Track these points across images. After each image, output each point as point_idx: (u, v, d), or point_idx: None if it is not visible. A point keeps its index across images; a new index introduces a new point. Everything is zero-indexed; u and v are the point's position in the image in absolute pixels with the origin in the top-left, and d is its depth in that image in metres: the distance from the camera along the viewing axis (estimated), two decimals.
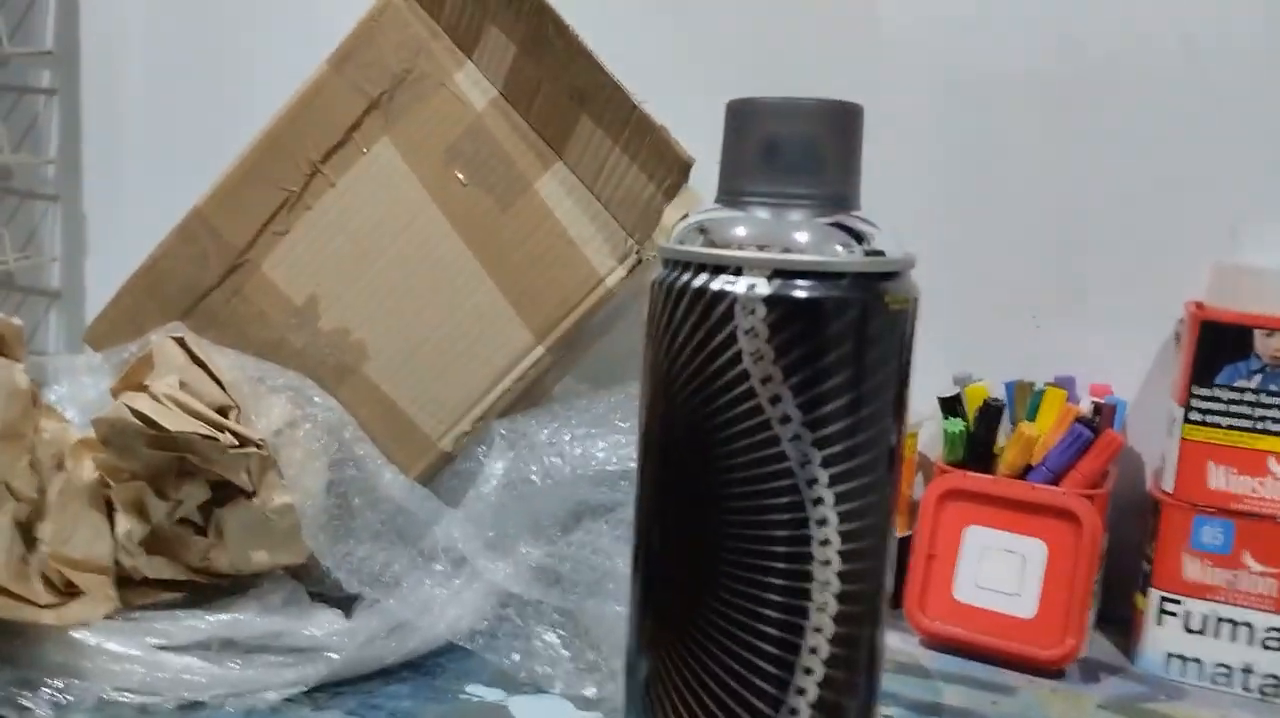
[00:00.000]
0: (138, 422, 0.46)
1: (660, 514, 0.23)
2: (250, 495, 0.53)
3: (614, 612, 0.51)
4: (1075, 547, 0.58)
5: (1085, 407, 0.63)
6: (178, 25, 0.90)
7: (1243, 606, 0.57)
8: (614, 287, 0.55)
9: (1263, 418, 0.56)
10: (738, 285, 0.22)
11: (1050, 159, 0.68)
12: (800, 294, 0.21)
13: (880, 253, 0.23)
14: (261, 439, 0.51)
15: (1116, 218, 0.67)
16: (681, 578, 0.23)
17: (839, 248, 0.22)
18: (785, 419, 0.21)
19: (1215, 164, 0.64)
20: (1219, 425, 0.57)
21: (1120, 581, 0.64)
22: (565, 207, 0.55)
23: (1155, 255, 0.66)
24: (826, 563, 0.22)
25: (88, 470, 0.49)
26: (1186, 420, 0.58)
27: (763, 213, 0.23)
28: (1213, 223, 0.64)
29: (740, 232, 0.23)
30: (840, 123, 0.23)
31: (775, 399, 0.21)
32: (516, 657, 0.52)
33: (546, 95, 0.55)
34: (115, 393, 0.52)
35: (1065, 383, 0.65)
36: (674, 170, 0.53)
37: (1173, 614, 0.59)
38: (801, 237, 0.22)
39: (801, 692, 0.22)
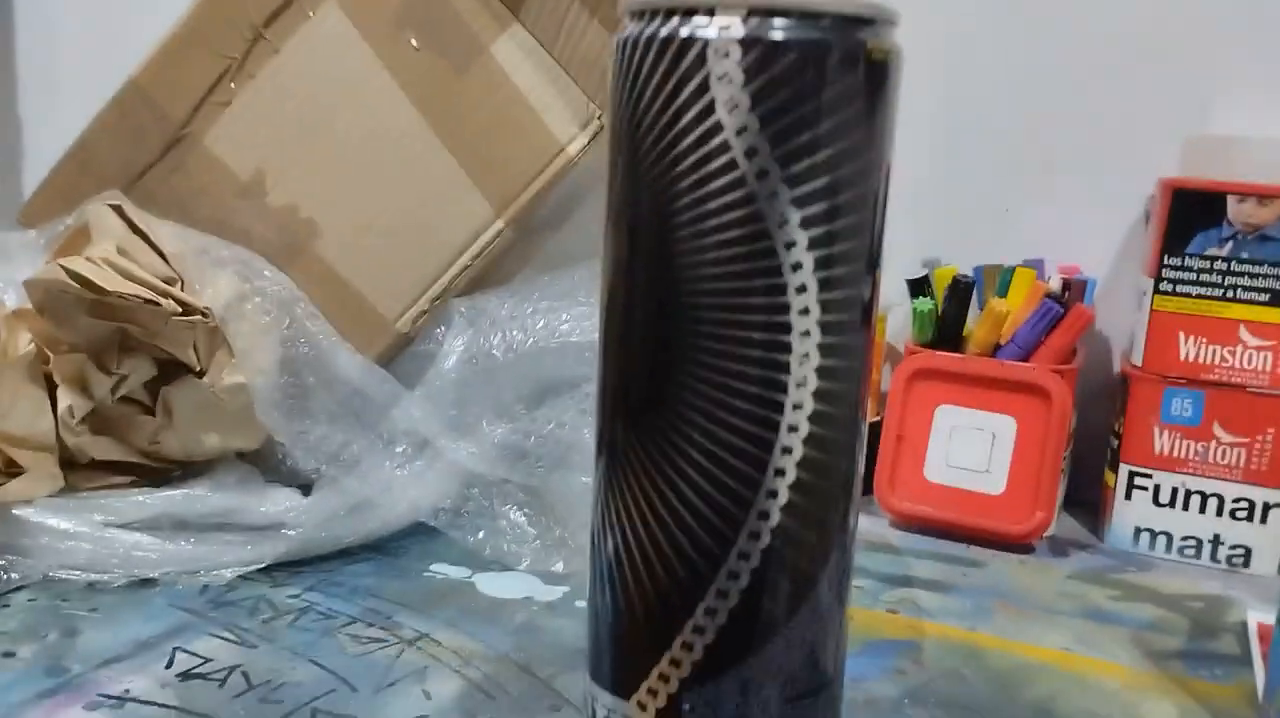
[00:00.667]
0: (74, 284, 0.44)
1: (628, 294, 0.22)
2: (199, 374, 0.51)
3: (580, 484, 0.50)
4: (1045, 422, 0.57)
5: (1052, 283, 0.62)
6: None
7: (1212, 477, 0.57)
8: (576, 155, 0.53)
9: (1233, 286, 0.56)
10: (710, 29, 0.20)
11: (1018, 42, 0.66)
12: (778, 35, 0.20)
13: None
14: (207, 308, 0.49)
15: (1086, 100, 0.65)
16: (650, 358, 0.21)
17: None
18: (762, 174, 0.20)
19: (1184, 41, 0.63)
20: (1189, 295, 0.56)
21: (1087, 465, 0.64)
22: (523, 71, 0.53)
23: (1125, 137, 0.65)
24: (806, 334, 0.21)
25: (24, 343, 0.47)
26: (1157, 292, 0.57)
27: None
28: (1183, 102, 0.63)
29: None
30: None
31: (751, 152, 0.20)
32: (481, 534, 0.51)
33: None
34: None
35: (1034, 265, 0.64)
36: None
37: (1142, 489, 0.58)
38: None
39: (777, 487, 0.21)
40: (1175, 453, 0.57)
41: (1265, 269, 0.55)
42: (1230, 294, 0.56)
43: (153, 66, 0.55)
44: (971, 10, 0.67)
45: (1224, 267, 0.55)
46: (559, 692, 0.40)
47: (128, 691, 0.38)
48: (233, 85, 0.54)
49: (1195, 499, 0.57)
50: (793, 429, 0.21)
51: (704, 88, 0.20)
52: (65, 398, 0.47)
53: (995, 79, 0.67)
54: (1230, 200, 0.55)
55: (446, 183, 0.54)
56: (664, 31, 0.20)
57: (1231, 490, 0.57)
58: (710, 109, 0.20)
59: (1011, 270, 0.63)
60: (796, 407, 0.21)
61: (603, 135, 0.54)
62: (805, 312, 0.20)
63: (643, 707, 0.23)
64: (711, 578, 0.22)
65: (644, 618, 0.22)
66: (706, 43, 0.20)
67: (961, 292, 0.61)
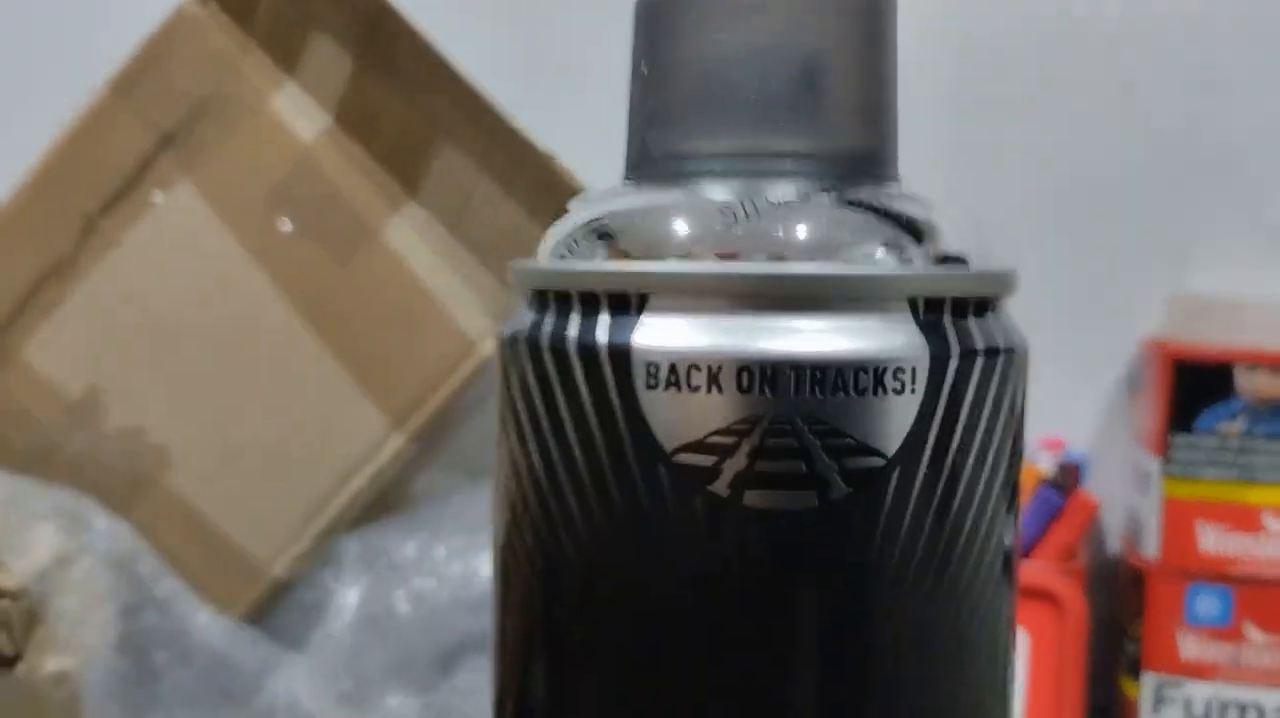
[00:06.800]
0: None
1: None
2: (12, 662, 0.39)
3: None
4: (1059, 634, 0.49)
5: (1043, 465, 0.54)
6: None
7: (1248, 683, 0.49)
8: (490, 352, 0.44)
9: (1251, 466, 0.49)
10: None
11: (985, 200, 0.61)
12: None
13: (960, 258, 0.13)
14: (20, 587, 0.38)
15: (1059, 261, 0.60)
16: None
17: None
18: None
19: (1157, 201, 0.58)
20: (1205, 478, 0.49)
21: (1094, 662, 0.56)
22: (420, 255, 0.44)
23: (1099, 295, 0.59)
24: None
25: None
26: (1166, 474, 0.50)
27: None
28: (1154, 260, 0.58)
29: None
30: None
31: None
32: None
33: (394, 119, 0.44)
34: None
35: None
36: (564, 204, 0.42)
37: (1172, 701, 0.50)
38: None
39: None
40: (1205, 658, 0.50)
41: None
42: (1249, 475, 0.49)
43: None
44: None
45: (1239, 444, 0.49)
46: None
47: None
48: (60, 285, 0.44)
49: (1233, 712, 0.49)
50: None
51: None
52: None
53: None
54: (1238, 370, 0.49)
55: (330, 393, 0.44)
56: None
57: (1272, 700, 0.49)
58: None
59: None
60: None
61: None
62: None
63: None
64: None
65: None
66: None
67: None
